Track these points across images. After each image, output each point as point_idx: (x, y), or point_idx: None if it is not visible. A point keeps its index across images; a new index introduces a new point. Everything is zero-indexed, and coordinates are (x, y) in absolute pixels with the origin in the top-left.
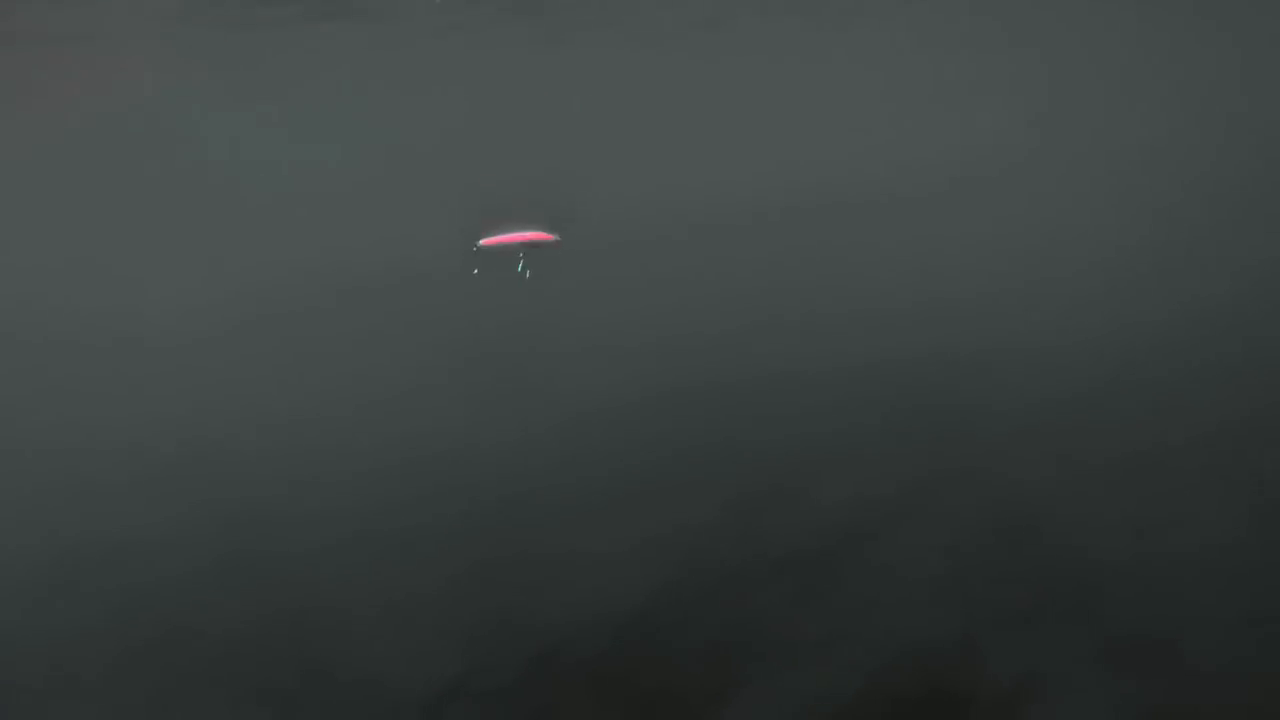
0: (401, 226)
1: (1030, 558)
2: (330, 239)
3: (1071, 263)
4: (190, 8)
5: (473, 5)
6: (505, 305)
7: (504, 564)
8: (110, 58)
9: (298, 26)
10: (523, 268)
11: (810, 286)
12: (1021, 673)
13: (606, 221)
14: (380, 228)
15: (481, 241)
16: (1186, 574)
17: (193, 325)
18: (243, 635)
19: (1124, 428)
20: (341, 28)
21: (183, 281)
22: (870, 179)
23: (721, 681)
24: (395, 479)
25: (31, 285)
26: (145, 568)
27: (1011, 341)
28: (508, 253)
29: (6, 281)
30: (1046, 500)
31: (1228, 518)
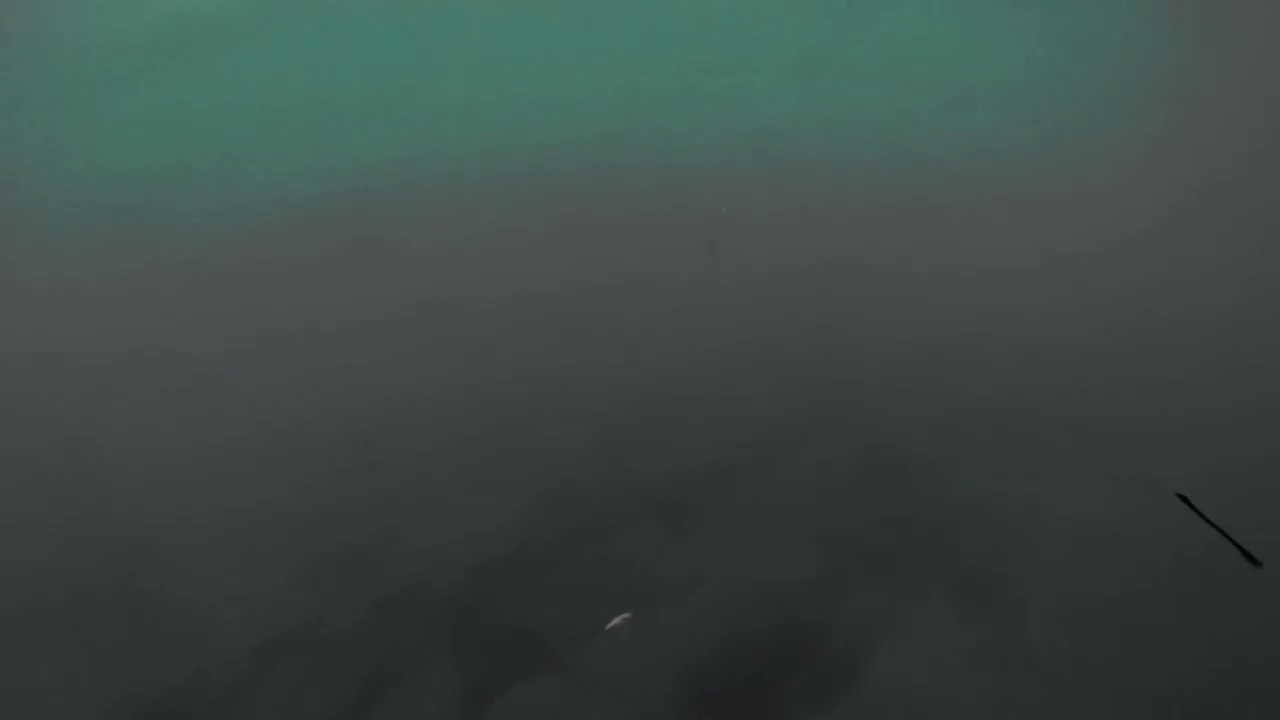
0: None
1: (892, 500)
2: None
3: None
4: None
5: None
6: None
7: (360, 504)
8: None
9: None
10: (620, 627)
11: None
12: (872, 611)
13: None
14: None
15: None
16: (1034, 521)
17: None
18: (67, 567)
19: (991, 381)
20: None
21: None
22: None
23: (581, 621)
24: (241, 412)
25: None
26: None
27: (888, 291)
28: (621, 625)
29: None
30: (912, 445)
31: (1079, 472)
